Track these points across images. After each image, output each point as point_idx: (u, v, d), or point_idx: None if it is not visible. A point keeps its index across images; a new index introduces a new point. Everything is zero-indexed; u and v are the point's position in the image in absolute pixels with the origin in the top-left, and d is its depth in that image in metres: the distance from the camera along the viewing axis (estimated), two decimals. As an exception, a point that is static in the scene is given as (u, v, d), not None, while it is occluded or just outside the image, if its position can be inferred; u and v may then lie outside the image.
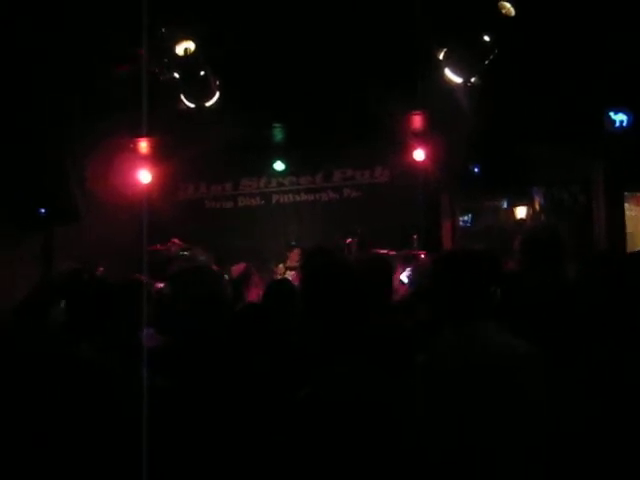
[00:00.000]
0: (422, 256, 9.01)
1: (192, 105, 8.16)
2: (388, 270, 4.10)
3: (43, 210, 8.94)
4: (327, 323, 2.59)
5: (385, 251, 9.44)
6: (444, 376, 2.64)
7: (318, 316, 2.62)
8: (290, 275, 9.80)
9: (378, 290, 3.83)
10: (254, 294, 5.78)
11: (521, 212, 11.09)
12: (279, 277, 9.90)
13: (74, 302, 3.65)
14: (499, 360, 2.60)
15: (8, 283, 8.35)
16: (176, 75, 8.04)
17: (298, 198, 12.33)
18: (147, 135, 10.64)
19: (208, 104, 8.24)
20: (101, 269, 7.77)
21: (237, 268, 5.93)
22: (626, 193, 10.31)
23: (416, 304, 4.00)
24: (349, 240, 9.77)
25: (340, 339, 2.53)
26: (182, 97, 8.17)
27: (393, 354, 2.71)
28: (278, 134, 11.53)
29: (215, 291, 3.24)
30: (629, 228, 10.17)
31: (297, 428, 2.42)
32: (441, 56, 8.09)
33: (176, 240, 9.86)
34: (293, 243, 10.89)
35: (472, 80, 8.11)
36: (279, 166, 12.07)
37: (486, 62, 7.75)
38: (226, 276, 6.77)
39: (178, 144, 10.62)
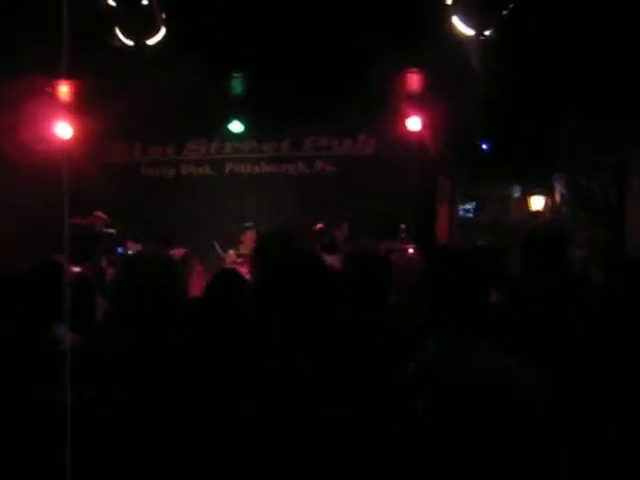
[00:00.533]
0: (410, 251, 9.09)
1: (130, 43, 8.12)
2: (387, 263, 4.19)
3: None
4: (284, 322, 2.65)
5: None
6: (428, 395, 2.71)
7: (272, 314, 2.68)
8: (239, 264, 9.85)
9: (374, 286, 3.94)
10: (196, 286, 5.82)
11: (537, 203, 11.20)
12: (228, 266, 9.95)
13: None
14: (493, 390, 2.68)
15: None
16: (111, 2, 7.99)
17: (258, 169, 12.40)
18: (68, 77, 10.56)
19: (150, 42, 8.19)
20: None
21: (175, 253, 5.97)
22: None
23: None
24: (319, 226, 9.83)
25: (299, 341, 2.59)
26: (117, 31, 8.12)
27: (374, 360, 2.79)
28: (237, 86, 11.52)
29: (170, 280, 3.33)
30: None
31: (240, 444, 2.48)
32: (449, 0, 8.12)
33: (100, 213, 9.83)
34: (248, 224, 10.91)
35: (485, 33, 8.15)
36: (236, 127, 12.08)
37: (504, 11, 7.80)
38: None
39: (109, 91, 10.52)
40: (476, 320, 2.87)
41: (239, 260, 10.22)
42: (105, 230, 9.51)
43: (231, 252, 10.39)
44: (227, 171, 12.45)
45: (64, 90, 11.23)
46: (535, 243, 4.12)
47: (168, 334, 3.21)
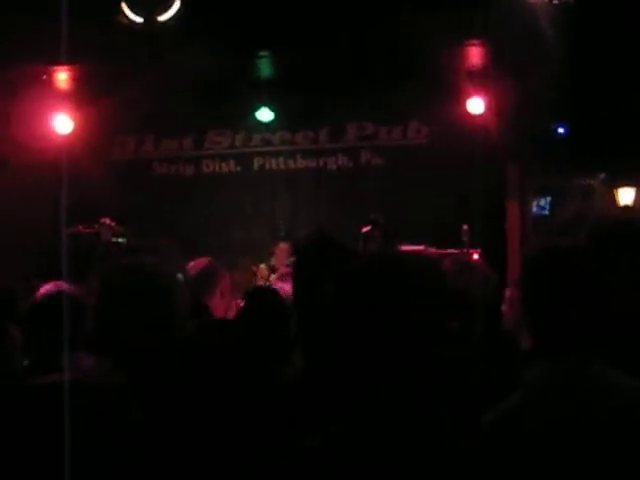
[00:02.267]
0: (475, 257, 9.01)
1: (139, 20, 8.12)
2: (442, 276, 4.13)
3: None
4: (342, 351, 2.59)
5: (420, 247, 9.48)
6: (541, 441, 2.65)
7: (326, 343, 2.62)
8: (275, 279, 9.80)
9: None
10: (220, 306, 5.78)
11: (627, 196, 11.10)
12: (261, 282, 9.93)
13: None
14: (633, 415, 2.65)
15: None
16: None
17: (293, 164, 12.39)
18: (68, 62, 10.58)
19: (162, 18, 8.20)
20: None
21: (196, 265, 5.90)
22: None
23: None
24: (367, 229, 9.77)
25: (364, 375, 2.53)
26: (124, 6, 8.13)
27: (451, 402, 2.72)
28: (265, 68, 11.50)
29: (165, 301, 3.27)
30: None
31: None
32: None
33: (107, 220, 9.86)
34: (282, 234, 10.92)
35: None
36: (264, 115, 12.08)
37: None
38: (180, 276, 6.78)
39: (115, 78, 10.58)
40: (593, 336, 2.81)
41: (273, 275, 10.19)
42: (113, 240, 9.52)
43: (262, 266, 10.38)
44: (256, 167, 12.47)
45: (63, 78, 11.27)
46: (618, 239, 4.02)
47: (161, 368, 3.18)
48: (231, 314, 5.66)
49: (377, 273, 2.64)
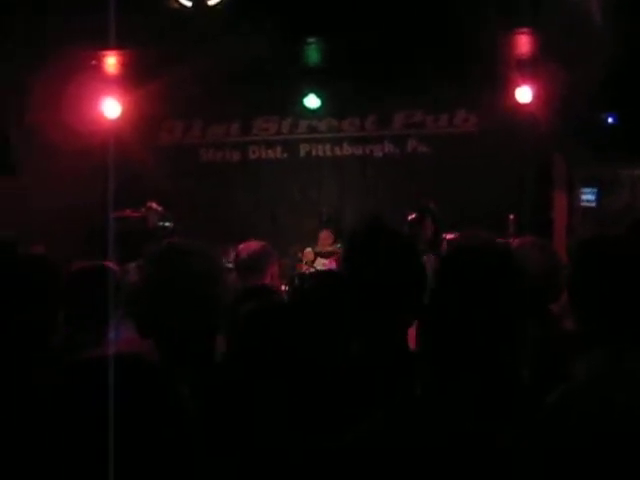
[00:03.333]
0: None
1: (188, 3, 8.14)
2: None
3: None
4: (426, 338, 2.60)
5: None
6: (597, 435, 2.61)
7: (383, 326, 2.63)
8: (323, 264, 9.82)
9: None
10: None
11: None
12: (306, 268, 9.95)
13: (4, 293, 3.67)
14: None
15: None
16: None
17: (339, 151, 12.36)
18: (117, 47, 10.62)
19: (212, 2, 8.21)
20: (39, 246, 7.77)
21: (247, 247, 5.87)
22: None
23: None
24: (412, 216, 9.74)
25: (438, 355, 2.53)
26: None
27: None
28: (312, 54, 11.47)
29: (209, 283, 3.26)
30: None
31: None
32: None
33: (154, 204, 9.91)
34: (325, 222, 10.92)
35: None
36: (312, 102, 12.09)
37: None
38: (228, 263, 6.80)
39: (163, 62, 10.58)
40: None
41: (318, 260, 10.20)
42: (160, 224, 9.56)
43: (308, 250, 10.39)
44: (302, 154, 12.45)
45: (112, 62, 11.29)
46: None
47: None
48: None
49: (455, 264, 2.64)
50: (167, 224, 9.53)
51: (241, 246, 5.91)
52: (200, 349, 3.15)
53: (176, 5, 8.28)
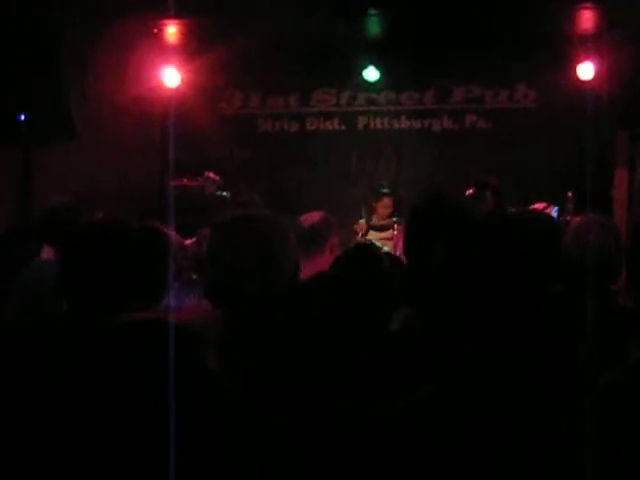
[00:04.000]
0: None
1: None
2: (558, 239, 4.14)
3: (23, 117, 9.05)
4: (450, 310, 2.55)
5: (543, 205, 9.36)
6: None
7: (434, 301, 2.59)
8: (381, 238, 9.77)
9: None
10: (327, 261, 5.72)
11: None
12: (360, 238, 9.93)
13: (70, 257, 3.67)
14: None
15: None
16: None
17: (397, 124, 12.28)
18: (177, 16, 10.65)
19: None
20: (98, 213, 7.81)
21: (309, 218, 5.84)
22: None
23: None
24: (470, 191, 9.66)
25: (472, 332, 2.49)
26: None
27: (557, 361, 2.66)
28: (373, 26, 11.43)
29: (276, 252, 3.26)
30: None
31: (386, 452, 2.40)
32: None
33: (211, 174, 9.93)
34: (384, 190, 10.86)
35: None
36: (371, 75, 12.01)
37: None
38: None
39: (223, 32, 10.60)
40: None
41: (371, 232, 10.18)
42: (217, 193, 9.58)
43: (362, 222, 10.38)
44: (360, 127, 12.38)
45: (172, 31, 11.32)
46: None
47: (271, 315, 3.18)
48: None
49: (491, 234, 2.60)
50: (224, 193, 9.53)
51: (302, 217, 5.88)
52: (267, 315, 3.14)
53: (239, -26, 8.26)
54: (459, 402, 2.35)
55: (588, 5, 10.34)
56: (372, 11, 11.02)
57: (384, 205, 10.58)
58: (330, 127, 12.45)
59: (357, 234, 10.13)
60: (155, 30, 11.21)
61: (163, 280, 3.91)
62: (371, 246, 5.43)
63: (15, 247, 6.56)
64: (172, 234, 5.12)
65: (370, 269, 4.14)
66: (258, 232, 3.22)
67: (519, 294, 2.48)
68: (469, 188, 9.38)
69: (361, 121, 12.37)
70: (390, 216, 10.39)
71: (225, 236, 3.27)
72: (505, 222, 2.67)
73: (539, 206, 8.62)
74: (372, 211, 10.58)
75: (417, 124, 12.20)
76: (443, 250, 2.61)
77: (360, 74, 11.99)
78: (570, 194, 9.91)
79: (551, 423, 2.34)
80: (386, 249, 7.88)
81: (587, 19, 10.52)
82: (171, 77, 11.49)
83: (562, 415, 2.35)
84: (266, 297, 3.13)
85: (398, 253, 6.89)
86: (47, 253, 5.38)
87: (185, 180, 9.69)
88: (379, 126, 12.33)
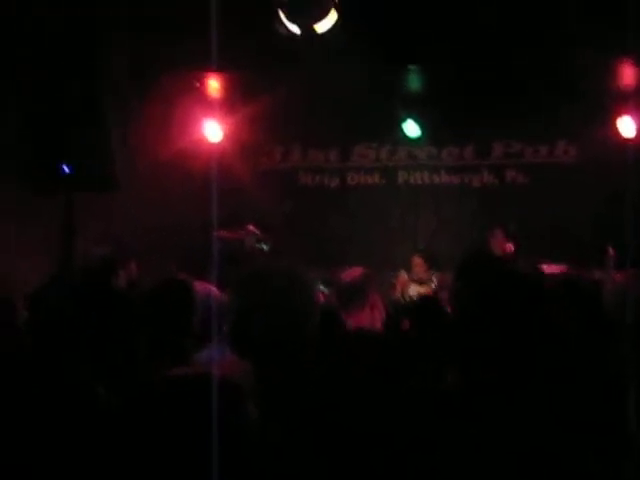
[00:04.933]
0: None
1: (297, 30, 8.09)
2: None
3: (66, 168, 9.11)
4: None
5: (560, 267, 9.27)
6: None
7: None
8: (417, 291, 9.72)
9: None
10: (366, 318, 5.69)
11: None
12: (399, 292, 9.90)
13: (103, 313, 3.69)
14: None
15: (10, 264, 9.00)
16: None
17: (437, 179, 12.29)
18: (219, 70, 10.71)
19: (319, 28, 8.16)
20: (132, 265, 7.79)
21: (349, 274, 5.82)
22: None
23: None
24: (509, 247, 9.61)
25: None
26: (282, 15, 8.11)
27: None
28: (413, 81, 11.45)
29: (298, 303, 3.27)
30: None
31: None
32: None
33: (251, 227, 9.93)
34: (421, 247, 10.86)
35: None
36: (411, 130, 12.01)
37: None
38: (322, 288, 6.75)
39: (266, 86, 10.67)
40: None
41: (411, 285, 10.12)
42: (257, 246, 9.57)
43: (403, 275, 10.33)
44: (400, 181, 12.40)
45: (214, 85, 11.39)
46: None
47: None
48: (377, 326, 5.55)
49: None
50: (264, 246, 9.52)
51: (343, 273, 5.85)
52: (293, 365, 3.15)
53: (283, 30, 8.26)
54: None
55: (628, 60, 10.32)
56: (412, 66, 11.05)
57: (417, 263, 10.53)
58: (370, 181, 12.46)
59: (397, 288, 10.07)
60: (197, 84, 11.28)
61: (191, 333, 3.93)
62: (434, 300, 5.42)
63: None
64: (212, 287, 5.13)
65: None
66: (277, 286, 3.23)
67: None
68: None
69: (401, 176, 12.38)
70: (426, 271, 10.35)
71: (241, 291, 3.27)
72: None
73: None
74: (411, 265, 10.52)
75: (457, 179, 12.19)
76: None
77: (400, 129, 12.00)
78: (610, 250, 9.83)
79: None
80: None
81: (627, 74, 10.47)
82: (213, 131, 11.55)
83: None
84: (284, 348, 3.13)
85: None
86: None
87: (225, 233, 9.68)
88: (419, 181, 12.34)
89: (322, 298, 6.48)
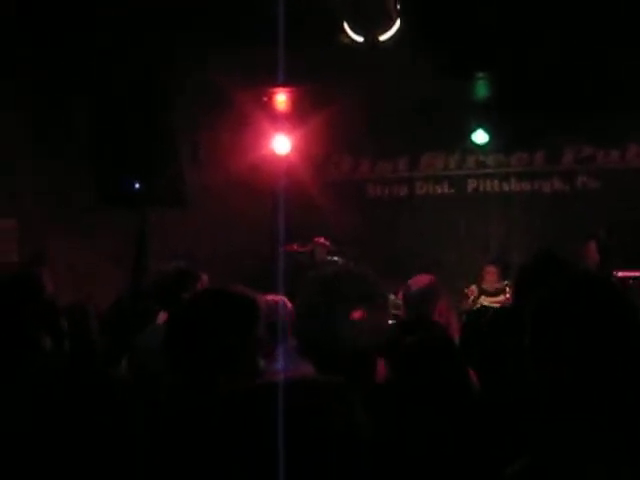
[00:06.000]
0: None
1: (359, 39, 8.05)
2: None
3: (137, 185, 9.20)
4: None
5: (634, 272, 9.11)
6: None
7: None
8: (489, 302, 9.61)
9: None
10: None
11: None
12: (471, 304, 9.79)
13: (174, 324, 3.66)
14: None
15: (85, 278, 9.30)
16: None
17: (507, 187, 12.16)
18: (286, 83, 10.71)
19: (383, 38, 8.11)
20: (204, 279, 7.81)
21: (417, 281, 5.76)
22: None
23: None
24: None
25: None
26: (346, 26, 8.08)
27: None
28: (480, 88, 11.37)
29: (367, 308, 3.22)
30: None
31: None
32: None
33: (322, 239, 9.89)
34: (493, 256, 10.77)
35: None
36: (480, 137, 11.95)
37: None
38: (392, 297, 6.67)
39: (333, 98, 10.64)
40: None
41: (482, 298, 10.01)
42: (328, 258, 9.52)
43: (473, 287, 10.23)
44: (470, 190, 12.32)
45: (281, 99, 11.42)
46: None
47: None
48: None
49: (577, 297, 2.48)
50: (335, 259, 9.47)
51: (412, 280, 5.81)
52: (359, 372, 3.09)
53: (347, 40, 8.22)
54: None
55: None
56: (479, 73, 10.95)
57: (489, 272, 10.42)
58: (439, 191, 12.41)
59: (468, 298, 9.96)
60: (265, 98, 11.31)
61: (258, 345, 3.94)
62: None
63: (131, 312, 6.62)
64: (282, 299, 5.12)
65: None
66: (347, 289, 3.23)
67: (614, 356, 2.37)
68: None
69: (470, 184, 12.30)
70: (499, 281, 10.23)
71: (312, 294, 3.26)
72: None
73: None
74: (482, 276, 10.40)
75: (527, 186, 12.06)
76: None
77: (468, 137, 11.95)
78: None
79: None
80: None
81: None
82: (281, 144, 11.59)
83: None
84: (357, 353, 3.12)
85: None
86: (163, 318, 5.39)
87: (295, 246, 9.67)
88: (488, 189, 12.24)
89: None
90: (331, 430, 1.99)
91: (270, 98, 11.41)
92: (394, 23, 8.03)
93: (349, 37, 8.07)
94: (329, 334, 3.14)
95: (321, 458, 1.94)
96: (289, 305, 5.24)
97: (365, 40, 8.06)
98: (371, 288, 3.31)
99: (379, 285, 3.39)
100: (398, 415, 3.03)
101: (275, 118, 11.48)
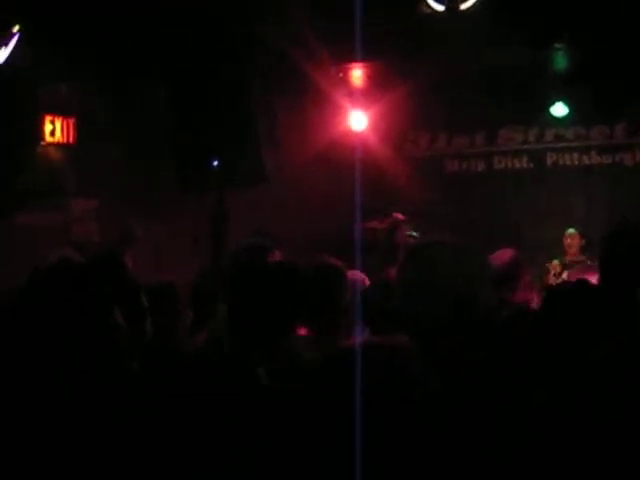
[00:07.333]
0: None
1: (440, 8, 7.96)
2: None
3: (216, 163, 9.26)
4: None
5: None
6: None
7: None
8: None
9: None
10: (518, 299, 5.52)
11: None
12: (553, 279, 9.63)
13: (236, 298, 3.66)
14: None
15: (166, 257, 9.48)
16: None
17: (587, 160, 11.92)
18: (362, 59, 10.60)
19: (463, 6, 8.00)
20: (277, 255, 7.84)
21: (500, 256, 5.61)
22: None
23: None
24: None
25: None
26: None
27: None
28: (559, 60, 11.07)
29: (471, 278, 3.07)
30: None
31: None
32: None
33: (399, 215, 9.79)
34: (572, 230, 10.53)
35: None
36: (559, 110, 11.67)
37: None
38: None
39: (409, 73, 10.51)
40: None
41: (565, 272, 9.81)
42: (407, 234, 9.42)
43: (555, 262, 10.06)
44: (549, 164, 12.11)
45: (357, 75, 11.35)
46: None
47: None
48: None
49: None
50: (414, 234, 9.37)
51: (493, 255, 5.66)
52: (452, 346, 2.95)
53: (428, 10, 8.14)
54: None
55: None
56: (558, 45, 10.71)
57: (573, 244, 10.23)
58: (518, 165, 12.26)
59: (550, 273, 9.79)
60: (340, 74, 11.22)
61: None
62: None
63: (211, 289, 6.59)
64: (359, 274, 5.05)
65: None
66: (451, 263, 3.04)
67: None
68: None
69: (550, 158, 12.10)
70: (580, 254, 10.05)
71: (413, 265, 3.10)
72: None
73: None
74: (564, 250, 10.21)
75: (608, 159, 11.83)
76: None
77: (547, 110, 11.72)
78: None
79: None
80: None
81: None
82: (358, 121, 11.51)
83: None
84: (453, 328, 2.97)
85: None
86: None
87: (375, 222, 9.62)
88: (568, 162, 12.04)
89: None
90: (409, 390, 2.06)
91: (346, 74, 11.32)
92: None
93: (430, 7, 8.00)
94: (429, 310, 2.99)
95: (399, 415, 2.03)
96: (367, 282, 5.18)
97: (446, 9, 7.99)
98: (474, 266, 3.18)
99: (483, 262, 3.26)
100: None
101: (351, 94, 11.40)
